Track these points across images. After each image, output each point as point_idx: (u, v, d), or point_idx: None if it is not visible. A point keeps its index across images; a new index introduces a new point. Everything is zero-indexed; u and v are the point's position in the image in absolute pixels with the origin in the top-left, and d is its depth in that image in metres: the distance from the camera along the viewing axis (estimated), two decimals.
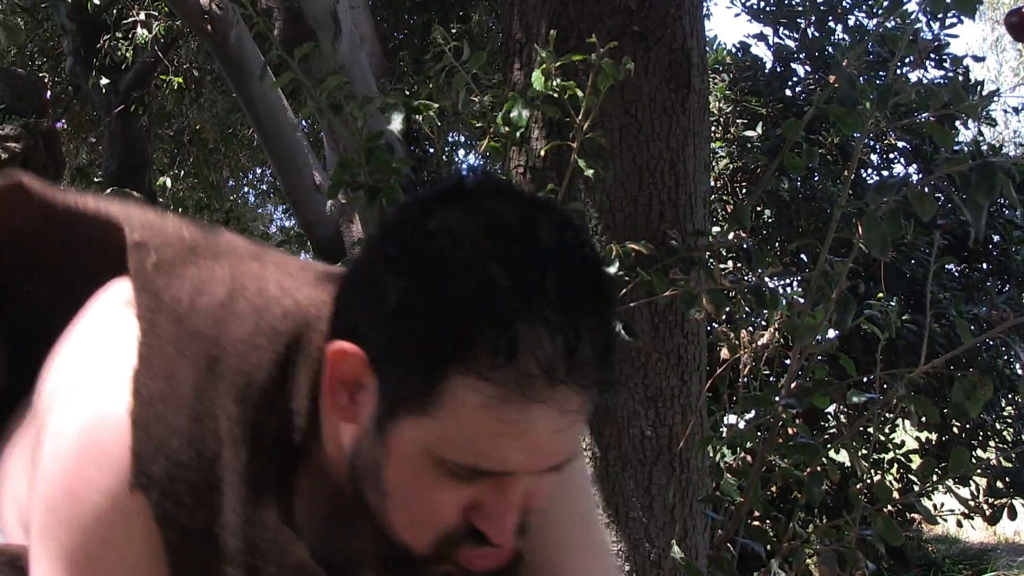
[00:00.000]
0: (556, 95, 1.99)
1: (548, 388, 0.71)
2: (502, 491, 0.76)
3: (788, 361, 2.41)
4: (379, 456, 0.77)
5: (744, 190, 5.18)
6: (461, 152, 7.97)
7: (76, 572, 0.78)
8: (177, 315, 0.81)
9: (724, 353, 2.38)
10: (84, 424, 0.79)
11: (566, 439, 0.75)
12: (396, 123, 1.96)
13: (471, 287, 0.70)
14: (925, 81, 4.36)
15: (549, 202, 0.80)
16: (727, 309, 2.18)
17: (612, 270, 2.08)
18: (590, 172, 1.99)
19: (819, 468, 2.07)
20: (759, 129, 5.00)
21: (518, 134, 2.06)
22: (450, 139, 7.47)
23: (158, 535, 0.77)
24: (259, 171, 9.86)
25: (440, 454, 0.74)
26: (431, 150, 6.28)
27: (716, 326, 3.58)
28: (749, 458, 2.33)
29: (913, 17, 2.16)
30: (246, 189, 10.63)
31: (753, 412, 2.32)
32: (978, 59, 5.65)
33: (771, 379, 3.95)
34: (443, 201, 0.77)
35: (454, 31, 5.93)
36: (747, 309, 2.24)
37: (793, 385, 2.14)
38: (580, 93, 2.00)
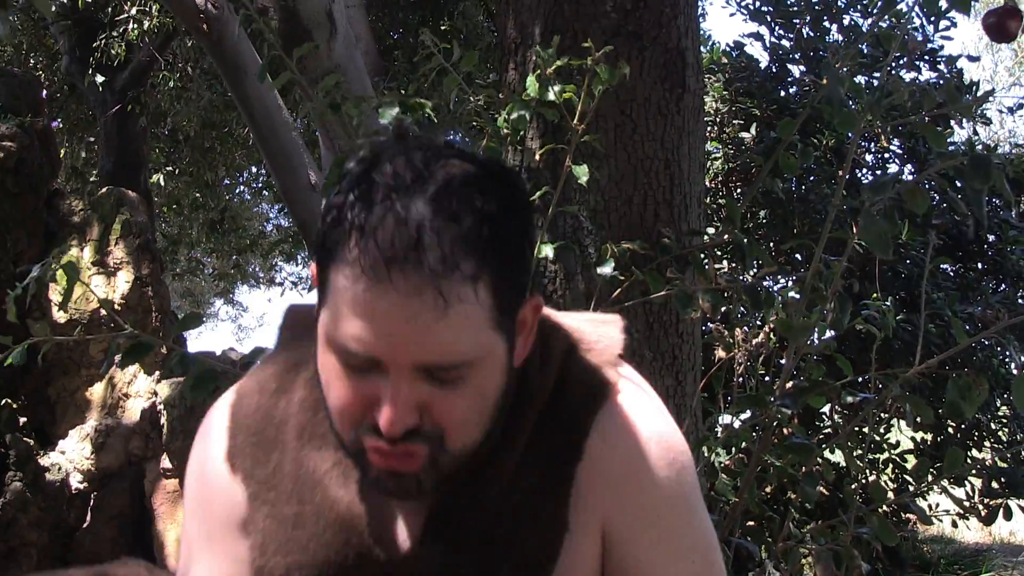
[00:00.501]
0: (553, 98, 1.98)
1: (385, 269, 0.80)
2: (389, 384, 0.84)
3: (784, 361, 2.40)
4: (316, 354, 0.92)
5: (739, 191, 5.17)
6: None
7: (194, 516, 1.05)
8: (291, 347, 1.05)
9: (719, 353, 2.38)
10: (207, 417, 1.08)
11: (433, 332, 0.81)
12: (387, 119, 1.97)
13: (348, 194, 0.83)
14: (920, 82, 4.36)
15: (483, 160, 0.87)
16: (722, 309, 2.18)
17: (607, 270, 2.08)
18: (584, 179, 1.99)
19: (814, 468, 2.07)
20: (753, 130, 4.99)
21: (518, 135, 2.06)
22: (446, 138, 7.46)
23: (243, 489, 1.00)
24: (254, 170, 9.85)
25: (331, 339, 0.86)
26: None
27: (711, 326, 3.58)
28: (744, 458, 2.33)
29: (907, 17, 2.16)
30: (241, 188, 10.62)
31: (748, 412, 2.32)
32: (973, 59, 5.65)
33: (767, 379, 3.94)
34: (382, 155, 0.87)
35: (444, 29, 5.91)
36: (742, 308, 2.23)
37: (788, 385, 2.14)
38: (575, 97, 2.00)
